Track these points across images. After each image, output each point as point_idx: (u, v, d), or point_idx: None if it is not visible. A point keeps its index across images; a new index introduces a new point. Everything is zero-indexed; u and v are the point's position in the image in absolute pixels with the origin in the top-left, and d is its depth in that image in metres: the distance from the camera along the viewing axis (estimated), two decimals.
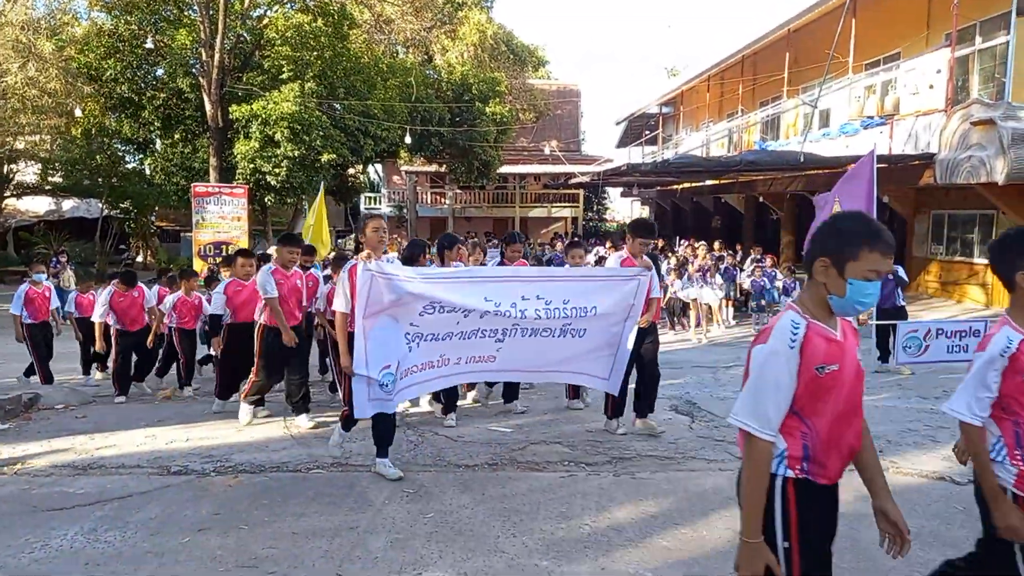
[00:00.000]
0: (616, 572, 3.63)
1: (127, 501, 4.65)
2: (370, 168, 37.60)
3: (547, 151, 30.03)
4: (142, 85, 20.17)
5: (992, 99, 12.64)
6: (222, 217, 17.29)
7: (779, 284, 13.34)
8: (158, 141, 22.00)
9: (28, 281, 8.67)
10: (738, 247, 17.43)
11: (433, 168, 31.57)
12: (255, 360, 6.41)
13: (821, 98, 15.48)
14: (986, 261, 14.35)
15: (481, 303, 5.04)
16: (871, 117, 14.71)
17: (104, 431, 6.30)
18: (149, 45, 18.91)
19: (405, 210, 35.22)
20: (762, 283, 13.41)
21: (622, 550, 3.85)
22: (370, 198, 38.29)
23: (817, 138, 16.35)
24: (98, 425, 6.53)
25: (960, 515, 4.22)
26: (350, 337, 4.84)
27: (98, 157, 23.40)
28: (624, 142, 34.89)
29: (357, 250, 7.82)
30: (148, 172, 23.23)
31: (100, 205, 26.26)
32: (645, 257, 5.75)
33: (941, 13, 13.81)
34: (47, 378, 8.47)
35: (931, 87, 13.32)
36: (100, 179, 24.75)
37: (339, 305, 5.02)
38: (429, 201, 36.41)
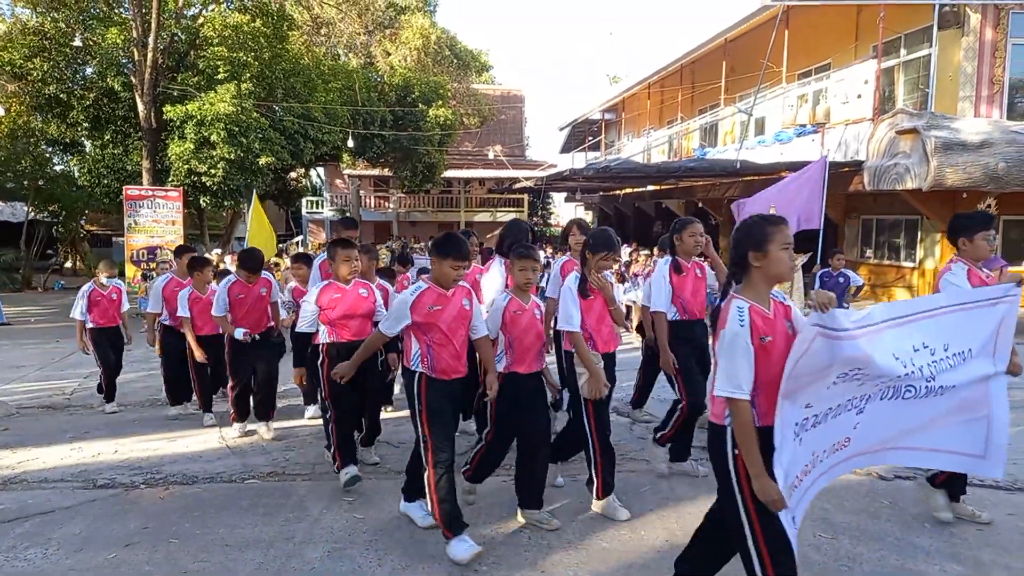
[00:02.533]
0: (554, 575, 3.64)
1: (49, 517, 4.46)
2: (312, 172, 37.01)
3: (491, 156, 30.12)
4: (70, 84, 19.41)
5: (916, 108, 13.20)
6: (156, 221, 16.74)
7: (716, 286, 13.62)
8: (87, 142, 21.20)
9: (93, 282, 7.63)
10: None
11: (377, 172, 31.30)
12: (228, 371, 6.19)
13: (756, 106, 15.91)
14: (912, 264, 14.90)
15: (892, 363, 2.94)
16: (804, 125, 15.19)
17: (27, 444, 6.03)
18: (77, 43, 18.22)
19: (348, 214, 34.78)
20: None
21: (562, 552, 3.86)
22: (312, 202, 37.69)
23: (753, 145, 16.79)
24: (20, 438, 6.24)
25: (886, 509, 4.36)
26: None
27: (24, 159, 22.42)
28: (568, 147, 35.23)
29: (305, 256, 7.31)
30: (76, 174, 22.34)
31: (25, 208, 25.16)
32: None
33: (868, 25, 14.37)
34: (110, 393, 7.44)
35: (859, 97, 13.83)
36: (25, 181, 23.72)
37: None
38: (373, 205, 36.07)
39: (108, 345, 7.40)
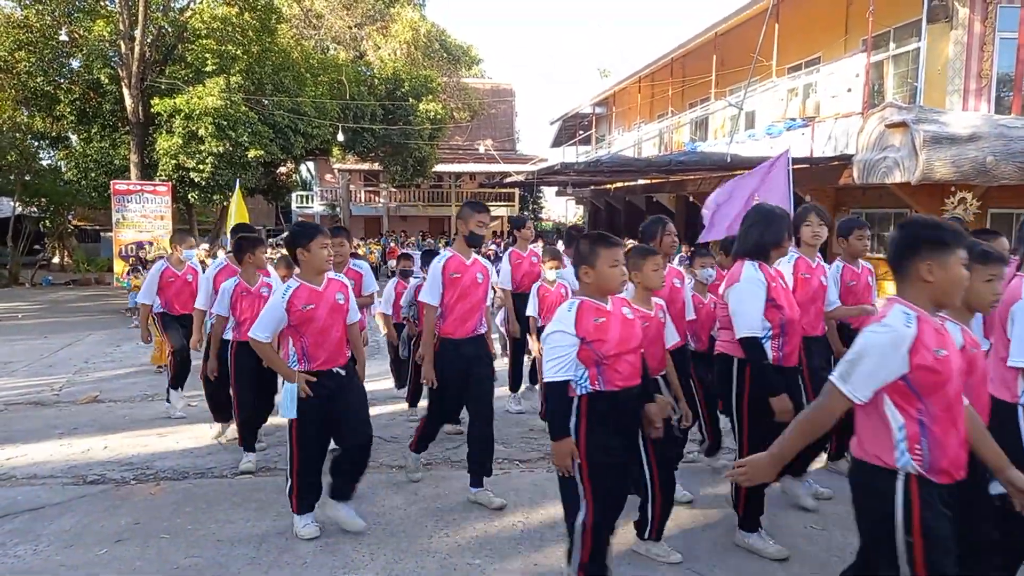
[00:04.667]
0: (548, 568, 3.65)
1: (39, 513, 4.43)
2: (302, 166, 36.84)
3: (482, 150, 30.06)
4: (56, 78, 19.23)
5: (905, 102, 13.25)
6: (144, 216, 16.61)
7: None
8: (74, 136, 21.00)
9: (165, 259, 6.86)
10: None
11: (367, 166, 31.18)
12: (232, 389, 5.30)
13: (746, 100, 15.93)
14: None
15: None
16: (794, 119, 15.22)
17: (16, 441, 5.98)
18: (63, 36, 18.03)
19: (338, 209, 34.64)
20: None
21: (554, 545, 3.86)
22: (302, 196, 37.51)
23: (743, 139, 16.82)
24: (9, 435, 6.18)
25: None
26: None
27: (10, 153, 22.19)
28: (558, 142, 35.18)
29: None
30: (63, 169, 22.14)
31: (12, 203, 24.92)
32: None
33: (858, 19, 14.40)
34: (179, 379, 6.69)
35: (849, 91, 13.87)
36: (12, 176, 23.48)
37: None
38: (363, 200, 35.95)
39: (180, 332, 6.61)
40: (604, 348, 3.04)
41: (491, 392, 4.60)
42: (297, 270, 4.06)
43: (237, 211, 12.38)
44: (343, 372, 3.99)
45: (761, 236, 3.74)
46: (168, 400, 6.83)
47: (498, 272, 6.37)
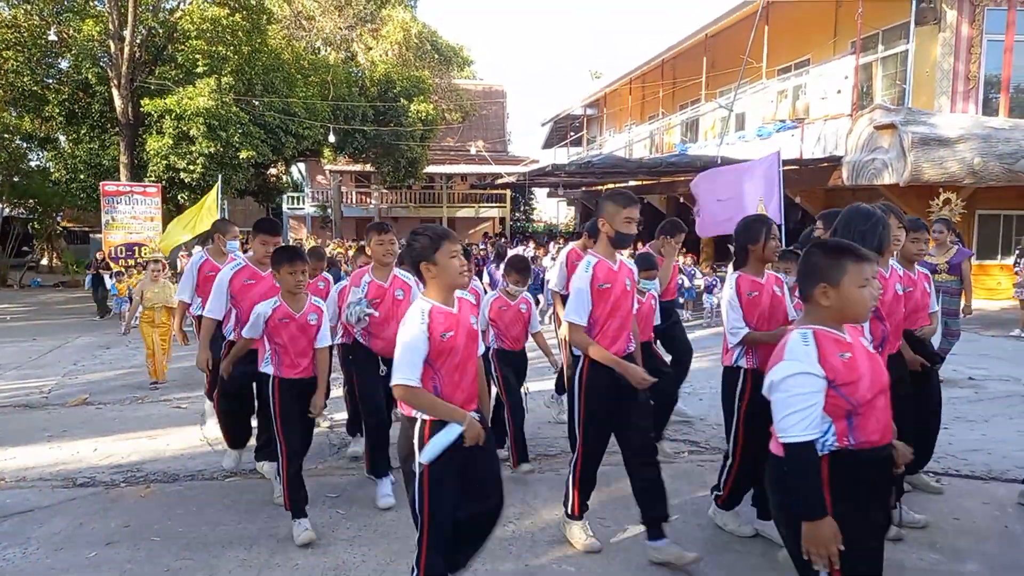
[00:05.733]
0: (539, 568, 3.66)
1: (28, 516, 4.40)
2: (293, 168, 36.75)
3: (473, 151, 30.06)
4: (45, 78, 19.14)
5: (894, 104, 13.35)
6: (134, 217, 16.53)
7: (699, 283, 13.69)
8: (62, 137, 20.90)
9: (205, 251, 5.96)
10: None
11: (358, 167, 31.15)
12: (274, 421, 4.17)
13: (736, 102, 16.01)
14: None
15: None
16: (783, 121, 15.31)
17: (4, 444, 5.94)
18: (52, 36, 17.95)
19: (329, 210, 34.58)
20: (680, 282, 13.77)
21: (546, 545, 3.87)
22: (293, 198, 37.41)
23: (733, 141, 16.90)
24: None
25: None
26: None
27: None
28: (550, 143, 35.25)
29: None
30: (52, 170, 22.02)
31: (0, 205, 24.77)
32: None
33: (847, 22, 14.50)
34: (213, 396, 5.30)
35: (838, 92, 13.96)
36: (0, 177, 23.35)
37: None
38: (354, 201, 35.90)
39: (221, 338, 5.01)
40: (857, 393, 2.31)
41: (650, 421, 3.90)
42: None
43: (211, 207, 12.32)
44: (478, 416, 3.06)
45: (863, 242, 3.18)
46: (203, 423, 5.90)
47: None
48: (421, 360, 2.85)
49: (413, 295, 4.52)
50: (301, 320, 4.09)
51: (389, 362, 3.52)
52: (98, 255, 16.87)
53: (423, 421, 2.88)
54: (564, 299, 4.66)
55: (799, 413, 2.28)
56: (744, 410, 3.79)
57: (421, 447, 2.85)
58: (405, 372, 2.82)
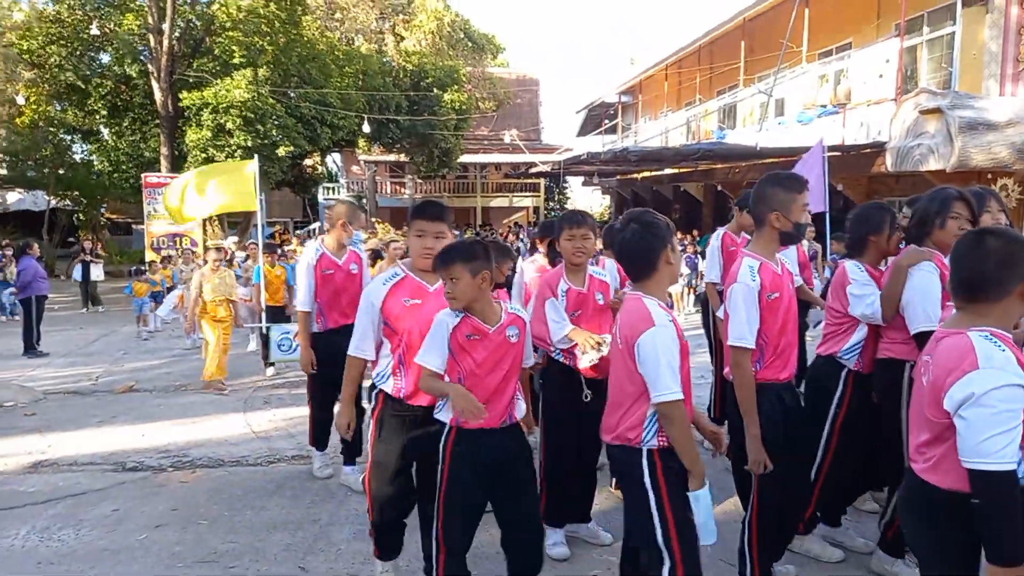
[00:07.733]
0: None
1: (81, 499, 4.54)
2: (328, 158, 37.08)
3: (507, 140, 29.93)
4: (88, 72, 19.56)
5: (940, 88, 12.98)
6: None
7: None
8: (105, 130, 21.36)
9: (320, 242, 4.85)
10: (695, 235, 17.66)
11: (392, 157, 31.29)
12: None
13: (776, 87, 15.71)
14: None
15: None
16: (824, 106, 14.98)
17: (55, 429, 6.12)
18: (94, 31, 18.33)
19: (364, 200, 34.86)
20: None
21: None
22: (328, 188, 37.76)
23: (772, 127, 16.60)
24: (49, 423, 6.34)
25: None
26: None
27: (44, 148, 22.64)
28: (584, 131, 34.99)
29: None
30: (95, 162, 22.53)
31: (47, 197, 25.42)
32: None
33: (890, 3, 14.11)
34: (351, 453, 4.68)
35: (881, 76, 13.62)
36: (46, 170, 23.95)
37: None
38: (389, 191, 36.12)
39: (333, 360, 3.88)
40: None
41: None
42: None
43: (250, 193, 8.86)
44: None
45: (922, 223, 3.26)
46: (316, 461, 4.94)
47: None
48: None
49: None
50: (497, 337, 2.73)
51: (595, 384, 3.26)
52: (85, 244, 16.17)
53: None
54: (721, 293, 3.98)
55: (1008, 434, 1.86)
56: (842, 418, 3.42)
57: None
58: (672, 387, 2.41)
